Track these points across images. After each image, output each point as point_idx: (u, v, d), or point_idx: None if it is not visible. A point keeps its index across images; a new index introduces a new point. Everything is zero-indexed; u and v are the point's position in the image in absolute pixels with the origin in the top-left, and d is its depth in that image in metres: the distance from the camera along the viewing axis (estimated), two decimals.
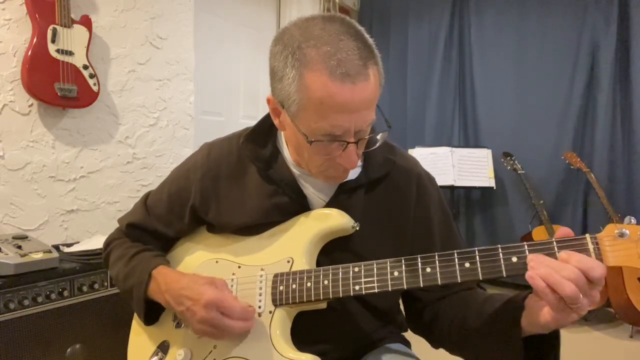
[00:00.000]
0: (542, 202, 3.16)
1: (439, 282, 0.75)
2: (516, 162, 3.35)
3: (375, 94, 0.78)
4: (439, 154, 3.51)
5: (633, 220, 0.68)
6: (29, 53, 1.84)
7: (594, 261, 0.65)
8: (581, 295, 0.64)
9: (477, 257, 0.73)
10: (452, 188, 3.43)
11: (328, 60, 0.73)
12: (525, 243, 0.71)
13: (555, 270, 0.65)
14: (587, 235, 0.68)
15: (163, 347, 0.97)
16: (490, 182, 3.40)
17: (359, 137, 0.80)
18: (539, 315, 0.70)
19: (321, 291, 0.82)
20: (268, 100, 0.86)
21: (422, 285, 0.76)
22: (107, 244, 1.08)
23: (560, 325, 0.69)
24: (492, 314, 0.80)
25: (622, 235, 0.66)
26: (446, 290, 0.93)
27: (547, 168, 3.45)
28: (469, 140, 3.80)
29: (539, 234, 3.05)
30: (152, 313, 0.98)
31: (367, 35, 0.78)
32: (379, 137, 0.86)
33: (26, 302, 1.48)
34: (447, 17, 3.79)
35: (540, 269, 0.66)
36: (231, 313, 0.83)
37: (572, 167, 3.22)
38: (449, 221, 0.99)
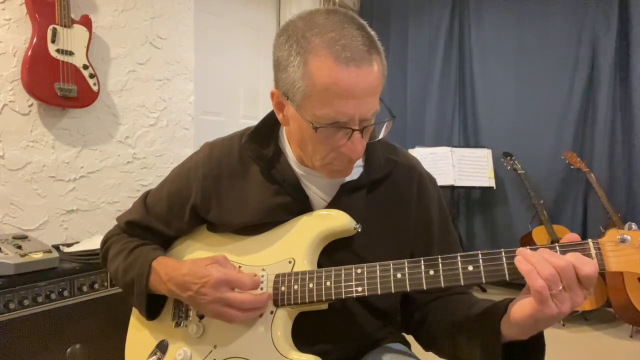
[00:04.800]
0: (542, 202, 3.17)
1: (442, 285, 0.75)
2: (516, 162, 3.36)
3: (379, 82, 0.78)
4: (439, 154, 3.51)
5: (634, 227, 0.68)
6: (29, 53, 1.84)
7: (589, 260, 0.66)
8: (562, 286, 0.65)
9: (480, 260, 0.73)
10: (452, 188, 3.44)
11: (333, 45, 0.74)
12: (528, 247, 0.71)
13: (542, 254, 0.67)
14: (590, 240, 0.69)
15: (161, 347, 0.97)
16: (490, 182, 3.41)
17: (364, 125, 0.80)
18: (520, 310, 0.70)
19: (323, 292, 0.82)
20: (272, 94, 0.85)
21: (425, 288, 0.76)
22: (105, 240, 1.08)
23: (540, 322, 0.69)
24: (476, 316, 0.81)
25: (623, 240, 0.67)
26: (439, 292, 0.93)
27: (547, 168, 3.45)
28: (469, 140, 3.81)
29: (539, 234, 3.06)
30: (153, 308, 0.98)
31: (369, 29, 0.79)
32: (383, 129, 0.86)
33: (26, 302, 1.48)
34: (447, 17, 3.80)
35: (527, 254, 0.68)
36: (241, 286, 0.84)
37: (572, 167, 3.23)
38: (447, 223, 0.99)
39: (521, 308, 0.70)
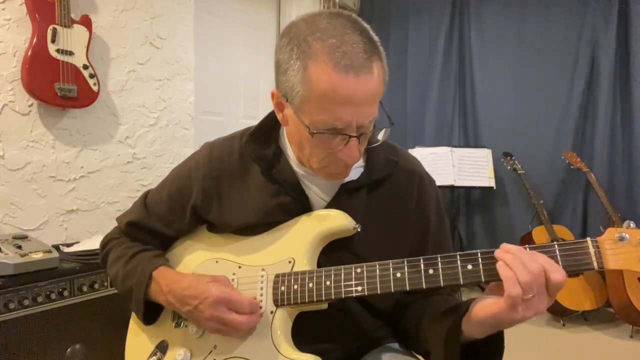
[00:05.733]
0: (542, 202, 3.17)
1: (442, 284, 0.75)
2: (516, 162, 3.36)
3: (379, 89, 0.79)
4: (439, 154, 3.51)
5: (632, 225, 0.69)
6: (29, 53, 1.84)
7: (559, 267, 0.68)
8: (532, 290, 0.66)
9: (480, 259, 0.74)
10: (452, 188, 3.43)
11: (333, 52, 0.74)
12: (527, 246, 0.71)
13: (520, 258, 0.68)
14: (588, 239, 0.69)
15: (161, 347, 0.97)
16: (490, 182, 3.40)
17: (361, 131, 0.80)
18: (482, 309, 0.72)
19: (323, 292, 0.82)
20: (272, 95, 0.86)
21: (424, 287, 0.76)
22: (105, 243, 1.07)
23: (501, 323, 0.71)
24: (442, 313, 0.83)
25: (622, 239, 0.67)
26: (421, 292, 0.94)
27: (547, 168, 3.45)
28: (469, 140, 3.81)
29: (538, 234, 3.05)
30: (151, 313, 0.98)
31: (372, 33, 0.79)
32: (381, 134, 0.86)
33: (26, 302, 1.47)
34: (447, 17, 3.79)
35: (506, 256, 0.70)
36: (239, 308, 0.84)
37: (572, 167, 3.23)
38: (443, 225, 1.00)
39: (484, 307, 0.72)
